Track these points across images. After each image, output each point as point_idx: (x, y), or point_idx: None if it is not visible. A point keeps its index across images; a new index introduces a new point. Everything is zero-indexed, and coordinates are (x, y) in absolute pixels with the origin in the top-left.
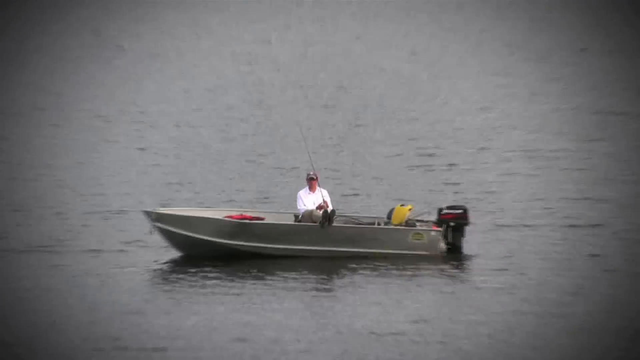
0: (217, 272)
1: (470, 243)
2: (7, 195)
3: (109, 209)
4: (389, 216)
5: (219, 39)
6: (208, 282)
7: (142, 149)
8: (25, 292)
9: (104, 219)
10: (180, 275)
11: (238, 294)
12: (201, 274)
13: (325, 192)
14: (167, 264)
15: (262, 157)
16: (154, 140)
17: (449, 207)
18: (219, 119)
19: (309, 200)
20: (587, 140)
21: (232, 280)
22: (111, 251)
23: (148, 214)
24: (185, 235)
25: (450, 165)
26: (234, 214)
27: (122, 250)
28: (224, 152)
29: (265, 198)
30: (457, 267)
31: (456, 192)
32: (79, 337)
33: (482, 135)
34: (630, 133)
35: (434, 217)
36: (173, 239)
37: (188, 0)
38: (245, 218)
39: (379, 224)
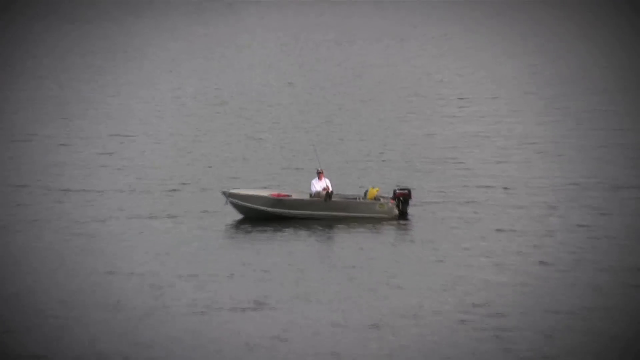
0: (262, 228)
1: (413, 211)
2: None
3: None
4: (365, 194)
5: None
6: (256, 234)
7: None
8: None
9: (191, 195)
10: (240, 230)
11: (272, 239)
12: (253, 228)
13: (327, 180)
14: (233, 224)
15: (285, 159)
16: (210, 149)
17: (400, 189)
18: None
19: (318, 185)
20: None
21: (271, 232)
22: (193, 217)
23: (224, 193)
24: (246, 206)
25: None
26: (274, 192)
27: (203, 216)
28: (260, 154)
29: (286, 184)
30: (404, 226)
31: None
32: (173, 267)
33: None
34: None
35: (391, 194)
36: (239, 208)
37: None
38: (281, 196)
39: (359, 199)
